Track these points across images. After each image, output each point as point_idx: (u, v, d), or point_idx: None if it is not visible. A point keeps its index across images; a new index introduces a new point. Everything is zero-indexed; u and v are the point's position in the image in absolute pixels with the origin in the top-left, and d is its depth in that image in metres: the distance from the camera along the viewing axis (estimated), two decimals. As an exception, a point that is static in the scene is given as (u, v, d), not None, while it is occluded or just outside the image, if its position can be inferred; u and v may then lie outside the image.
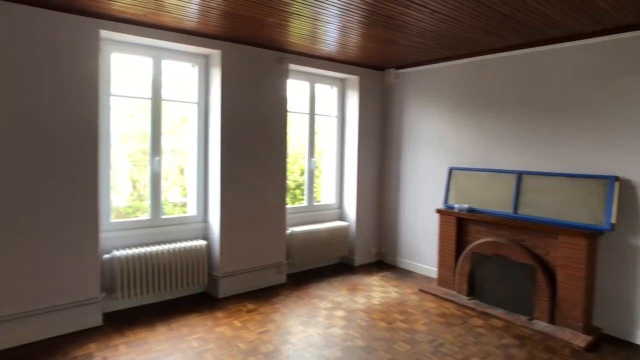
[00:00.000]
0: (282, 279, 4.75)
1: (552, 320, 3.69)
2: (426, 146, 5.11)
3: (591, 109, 3.68)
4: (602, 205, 3.48)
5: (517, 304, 3.95)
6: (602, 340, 3.48)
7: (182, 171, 4.57)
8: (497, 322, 3.81)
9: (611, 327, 3.57)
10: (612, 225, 3.41)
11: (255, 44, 4.29)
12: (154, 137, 4.06)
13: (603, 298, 3.61)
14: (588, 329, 3.56)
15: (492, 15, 3.19)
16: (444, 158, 4.90)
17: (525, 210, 3.96)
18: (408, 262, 5.38)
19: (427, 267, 5.13)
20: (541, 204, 3.87)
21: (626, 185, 3.47)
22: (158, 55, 4.00)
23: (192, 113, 4.35)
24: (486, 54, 4.38)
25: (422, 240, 5.20)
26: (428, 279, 5.00)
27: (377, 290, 4.58)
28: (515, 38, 3.82)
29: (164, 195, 4.26)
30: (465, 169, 4.59)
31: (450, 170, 4.71)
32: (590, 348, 3.33)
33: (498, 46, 4.15)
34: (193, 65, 4.28)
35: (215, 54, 4.17)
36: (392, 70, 5.35)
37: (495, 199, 4.23)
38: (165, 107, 4.14)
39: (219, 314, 3.87)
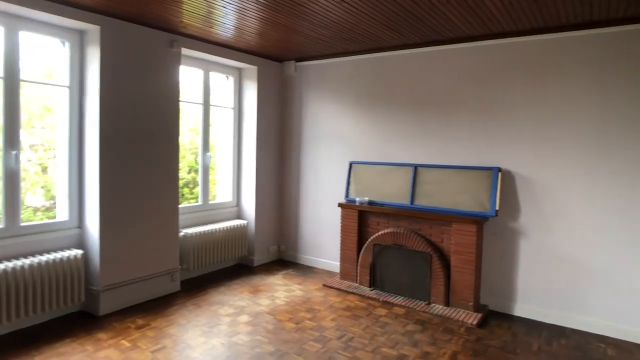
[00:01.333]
0: (175, 286, 4.27)
1: (447, 303, 3.96)
2: (327, 140, 5.09)
3: (478, 107, 4.02)
4: (488, 194, 3.83)
5: (415, 291, 4.14)
6: (489, 316, 3.84)
7: (44, 169, 3.79)
8: (399, 309, 3.94)
9: (495, 304, 3.96)
10: (496, 211, 3.78)
11: (143, 22, 3.74)
12: (9, 126, 3.26)
13: (487, 277, 3.99)
14: (477, 307, 3.89)
15: (396, 10, 3.23)
16: (345, 152, 4.93)
17: (422, 201, 4.18)
18: (310, 258, 5.31)
19: (329, 261, 5.13)
20: (435, 195, 4.12)
21: (507, 176, 3.87)
22: (12, 24, 3.21)
23: (62, 99, 3.62)
24: (385, 51, 4.51)
25: (323, 235, 5.17)
26: (331, 273, 4.99)
27: (280, 290, 4.40)
28: (413, 36, 3.97)
29: (22, 198, 3.48)
30: (365, 162, 4.67)
31: (351, 165, 4.76)
32: (481, 324, 3.63)
33: (396, 43, 4.29)
34: (63, 42, 3.57)
35: (93, 30, 3.52)
36: (292, 63, 5.21)
37: (393, 191, 4.39)
38: (25, 89, 3.37)
39: (102, 335, 3.28)
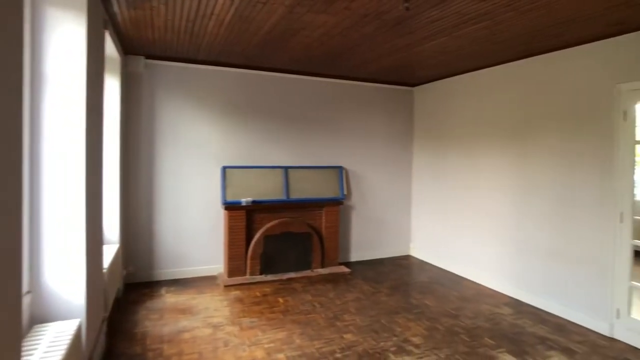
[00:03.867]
0: None
1: (323, 265, 5.44)
2: (193, 147, 4.99)
3: (328, 123, 5.71)
4: (338, 184, 5.61)
5: (301, 264, 5.34)
6: (350, 265, 5.66)
7: None
8: (296, 285, 4.98)
9: (343, 257, 5.83)
10: (345, 196, 5.64)
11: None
12: None
13: (343, 240, 5.79)
14: (341, 261, 5.70)
15: (269, 38, 4.38)
16: (214, 158, 5.09)
17: (296, 195, 5.34)
18: (173, 270, 4.99)
19: (199, 267, 5.09)
20: (306, 188, 5.42)
21: (347, 171, 5.83)
22: None
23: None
24: (255, 69, 5.22)
25: (191, 243, 5.06)
26: (208, 278, 5.05)
27: (198, 309, 4.24)
28: (279, 62, 4.98)
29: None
30: (239, 167, 5.13)
31: (224, 169, 5.03)
32: (350, 272, 5.43)
33: (266, 65, 5.14)
34: None
35: None
36: (141, 58, 4.56)
37: (270, 189, 5.23)
38: None
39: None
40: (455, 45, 4.07)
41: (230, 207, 4.97)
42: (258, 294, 4.56)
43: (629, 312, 3.50)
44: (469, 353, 3.25)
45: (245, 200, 5.02)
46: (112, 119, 4.17)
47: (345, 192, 5.74)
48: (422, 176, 6.17)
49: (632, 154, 3.51)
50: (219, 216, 5.18)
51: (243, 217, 5.03)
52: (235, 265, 5.03)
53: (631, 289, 3.51)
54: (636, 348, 3.39)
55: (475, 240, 5.15)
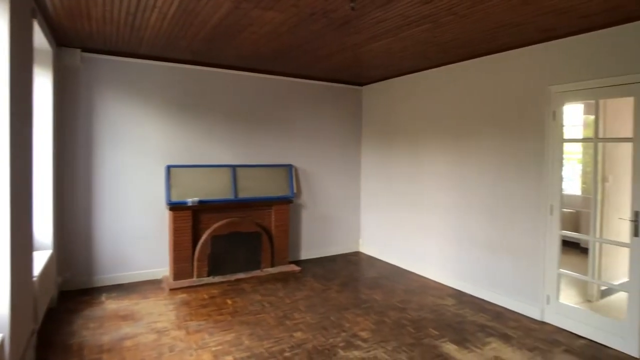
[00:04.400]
0: None
1: (273, 265, 5.39)
2: (135, 145, 4.74)
3: (277, 121, 5.65)
4: (287, 183, 5.57)
5: (251, 264, 5.26)
6: (301, 263, 5.63)
7: None
8: (245, 285, 4.90)
9: (303, 254, 5.80)
10: (295, 194, 5.61)
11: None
12: None
13: (293, 238, 5.74)
14: (291, 260, 5.66)
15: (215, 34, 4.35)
16: (158, 157, 4.88)
17: (244, 194, 5.25)
18: (114, 275, 4.72)
19: (144, 271, 4.87)
20: (254, 187, 5.34)
21: (297, 170, 5.80)
22: None
23: None
24: (200, 65, 5.04)
25: (134, 246, 4.82)
26: (153, 282, 4.84)
27: (142, 314, 4.05)
28: (227, 58, 4.88)
29: None
30: (185, 166, 4.95)
31: (169, 168, 4.84)
32: (301, 270, 5.42)
33: (213, 61, 5.00)
34: None
35: None
36: (77, 51, 4.26)
37: (217, 189, 5.10)
38: None
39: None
40: (400, 46, 4.19)
41: (176, 207, 4.79)
42: (205, 296, 4.43)
43: (557, 298, 3.79)
44: (414, 344, 3.37)
45: (191, 200, 4.86)
46: (43, 117, 3.87)
47: (295, 191, 5.73)
48: (371, 174, 6.30)
49: (561, 151, 3.78)
50: (164, 217, 4.97)
51: (189, 217, 4.87)
52: (181, 267, 4.85)
53: (559, 276, 3.80)
54: (563, 329, 3.68)
55: (421, 236, 5.33)
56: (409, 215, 5.51)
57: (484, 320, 3.88)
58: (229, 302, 4.26)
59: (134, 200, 4.82)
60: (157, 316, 3.86)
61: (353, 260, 5.96)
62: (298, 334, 3.51)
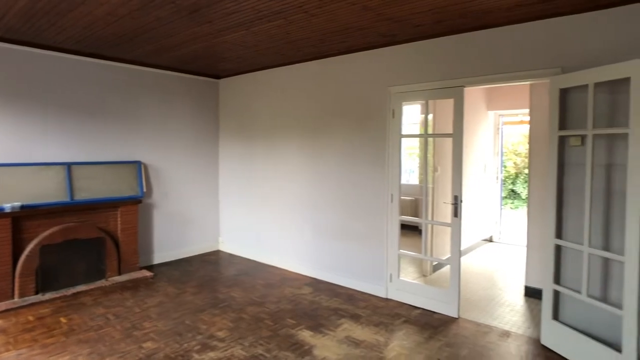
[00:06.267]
0: None
1: (120, 272, 4.83)
2: None
3: (124, 114, 5.06)
4: (136, 181, 5.05)
5: (93, 274, 4.64)
6: (153, 268, 5.14)
7: None
8: (86, 299, 4.31)
9: (157, 258, 5.28)
10: (144, 193, 5.11)
11: None
12: None
13: (145, 241, 5.20)
14: (142, 265, 5.15)
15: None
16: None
17: (82, 195, 4.57)
18: None
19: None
20: (95, 187, 4.70)
21: (147, 167, 5.30)
22: None
23: None
24: (23, 45, 4.22)
25: None
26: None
27: None
28: (67, 42, 4.26)
29: None
30: (3, 164, 4.04)
31: (-24, 167, 3.89)
32: (154, 275, 4.98)
33: (42, 42, 4.22)
34: None
35: None
36: None
37: (48, 190, 4.34)
38: None
39: None
40: (254, 40, 4.16)
41: (-13, 214, 3.92)
42: (31, 318, 3.73)
43: (398, 276, 4.25)
44: (272, 336, 3.38)
45: (10, 205, 4.03)
46: None
47: (145, 190, 5.23)
48: (230, 169, 6.14)
49: (399, 145, 4.23)
50: (-30, 227, 4.02)
51: (7, 226, 4.02)
52: (-3, 286, 4.00)
53: (399, 256, 4.27)
54: (404, 303, 4.13)
55: (279, 229, 5.41)
56: (268, 210, 5.54)
57: (337, 304, 4.12)
58: (63, 320, 3.66)
59: None
60: (-42, 350, 3.10)
61: (212, 260, 5.74)
62: (148, 344, 3.20)
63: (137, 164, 5.18)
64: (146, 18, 3.49)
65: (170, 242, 5.69)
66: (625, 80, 2.68)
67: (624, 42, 2.95)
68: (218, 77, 6.13)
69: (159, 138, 5.50)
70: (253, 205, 5.76)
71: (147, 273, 4.97)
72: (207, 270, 5.24)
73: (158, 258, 5.55)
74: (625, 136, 2.71)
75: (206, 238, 6.17)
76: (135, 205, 5.01)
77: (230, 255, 6.02)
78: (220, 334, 3.41)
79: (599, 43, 3.06)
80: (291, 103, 5.20)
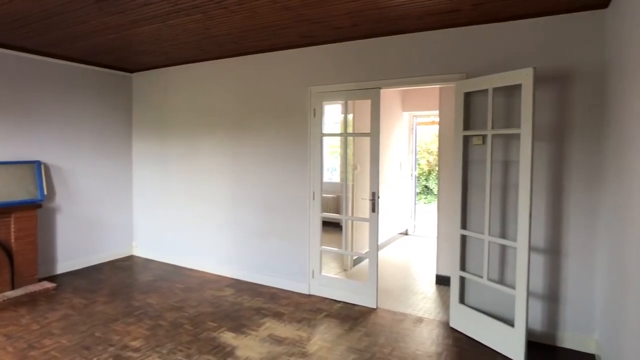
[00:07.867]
0: None
1: (15, 287, 4.29)
2: None
3: (19, 108, 4.51)
4: (35, 183, 4.53)
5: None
6: (56, 279, 4.63)
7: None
8: None
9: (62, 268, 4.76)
10: (45, 197, 4.60)
11: None
12: None
13: (46, 250, 4.67)
14: (42, 277, 4.68)
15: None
16: None
17: (-34, 199, 3.96)
18: None
19: None
20: (-18, 190, 4.08)
21: (48, 167, 4.81)
22: None
23: None
24: None
25: None
26: None
27: None
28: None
29: None
30: None
31: None
32: (56, 288, 4.51)
33: None
34: None
35: None
36: None
37: None
38: None
39: None
40: (171, 34, 3.97)
41: None
42: None
43: (320, 271, 4.34)
44: (192, 341, 3.26)
45: None
46: None
47: (46, 192, 4.71)
48: (144, 168, 5.78)
49: (320, 144, 4.32)
50: None
51: None
52: None
53: (321, 252, 4.36)
54: (326, 298, 4.23)
55: (198, 229, 5.23)
56: (188, 212, 5.31)
57: (260, 303, 4.09)
58: (-59, 344, 3.18)
59: None
60: None
61: (125, 266, 5.35)
62: (49, 362, 2.90)
63: (36, 164, 4.64)
64: (46, 3, 3.16)
65: (77, 249, 5.19)
66: (518, 86, 3.02)
67: (521, 52, 3.33)
68: (131, 70, 5.74)
69: (63, 136, 5.00)
70: (170, 206, 5.48)
71: (49, 285, 4.49)
72: (120, 277, 4.87)
73: (62, 267, 5.04)
74: (518, 136, 3.06)
75: (118, 243, 5.74)
76: (33, 211, 4.49)
77: (146, 260, 5.66)
78: (135, 343, 3.20)
79: (501, 52, 3.41)
80: (212, 99, 5.05)
